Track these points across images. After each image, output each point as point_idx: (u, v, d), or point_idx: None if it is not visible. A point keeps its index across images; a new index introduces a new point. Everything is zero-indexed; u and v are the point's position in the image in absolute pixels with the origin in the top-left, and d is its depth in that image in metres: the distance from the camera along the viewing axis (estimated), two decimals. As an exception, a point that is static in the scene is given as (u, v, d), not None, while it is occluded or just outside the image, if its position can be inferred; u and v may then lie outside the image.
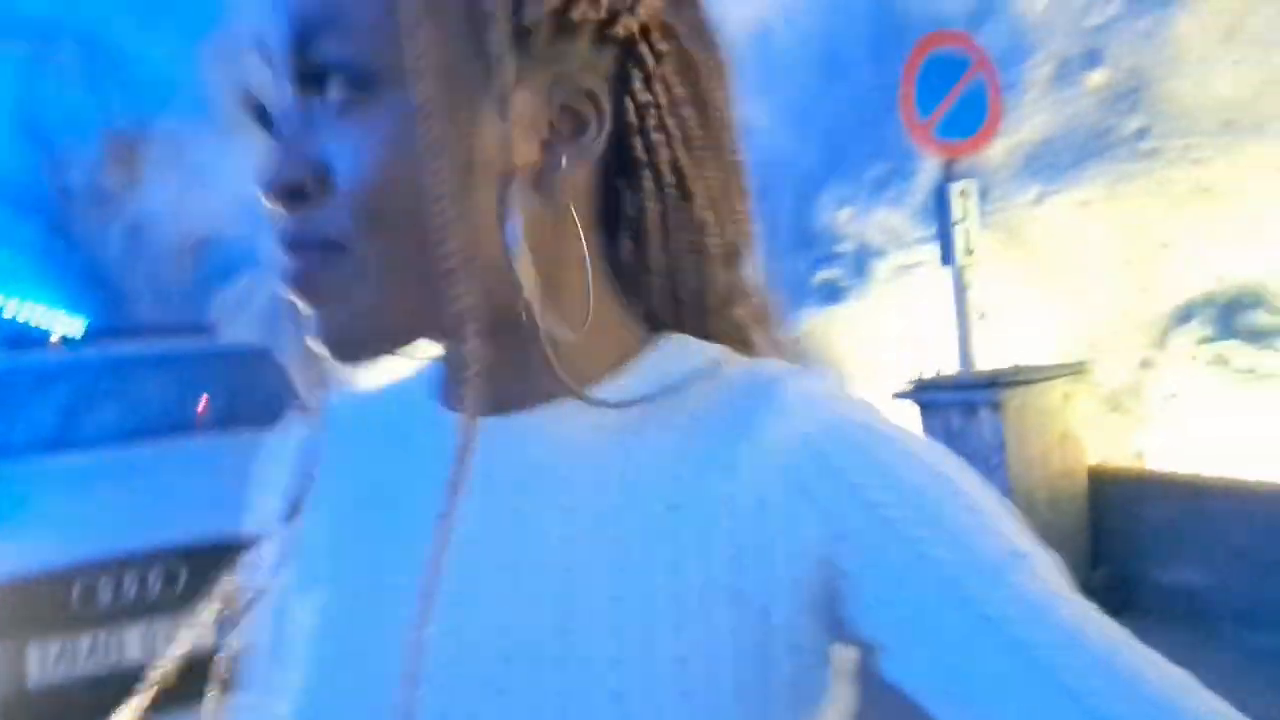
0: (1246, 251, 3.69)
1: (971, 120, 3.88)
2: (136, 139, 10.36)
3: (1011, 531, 0.44)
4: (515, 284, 0.43)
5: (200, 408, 4.00)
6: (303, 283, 0.44)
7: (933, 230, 4.20)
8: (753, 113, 5.41)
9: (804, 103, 5.24)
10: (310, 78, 0.43)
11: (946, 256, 4.01)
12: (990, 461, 3.45)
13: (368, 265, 0.44)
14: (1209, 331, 3.81)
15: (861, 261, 5.20)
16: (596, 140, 0.46)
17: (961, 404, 3.70)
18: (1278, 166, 3.56)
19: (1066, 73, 4.13)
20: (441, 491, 0.43)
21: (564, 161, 0.45)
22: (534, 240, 0.44)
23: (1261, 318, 3.68)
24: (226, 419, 3.78)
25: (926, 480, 0.44)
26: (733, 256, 0.51)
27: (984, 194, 4.12)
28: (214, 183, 10.39)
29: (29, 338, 4.54)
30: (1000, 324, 4.36)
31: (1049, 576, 0.42)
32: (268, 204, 0.44)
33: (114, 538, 2.77)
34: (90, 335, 5.29)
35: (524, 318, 0.44)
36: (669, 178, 0.48)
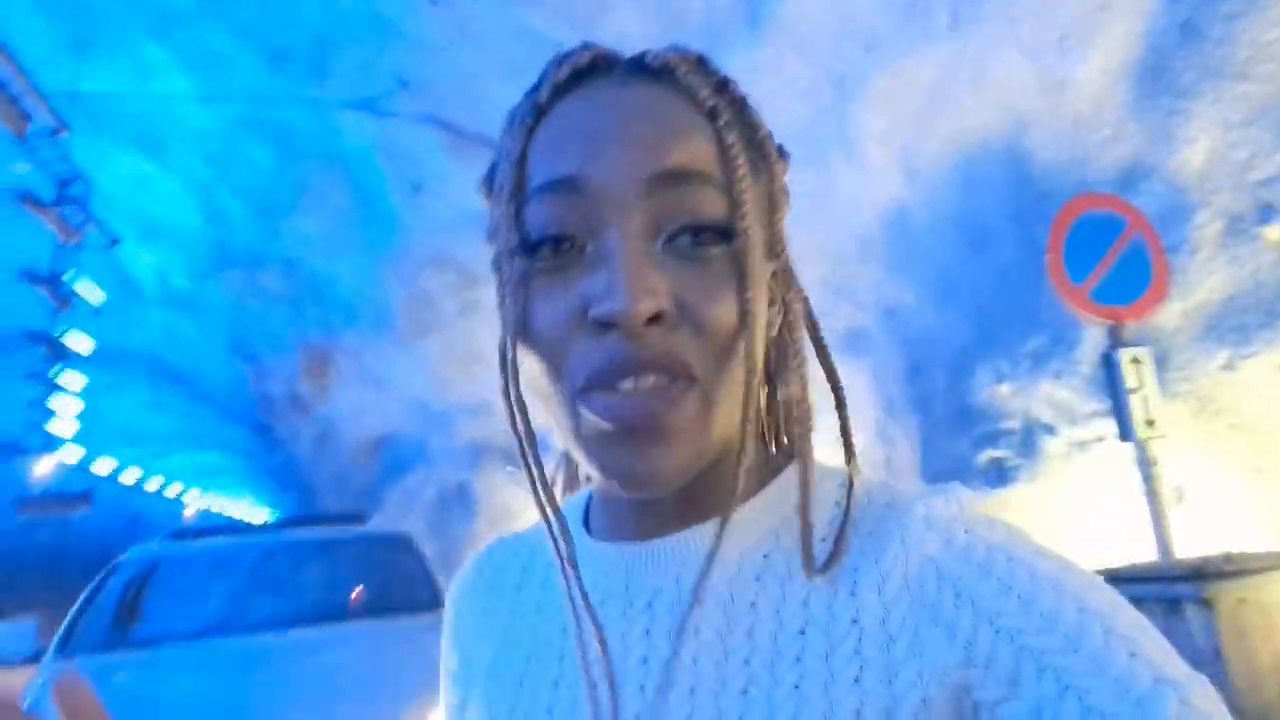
0: None
1: (1133, 284, 3.62)
2: (327, 351, 11.40)
3: (1160, 657, 0.42)
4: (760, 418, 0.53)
5: (355, 596, 4.11)
6: (652, 415, 0.47)
7: (1106, 403, 3.85)
8: (897, 293, 5.31)
9: (949, 278, 5.11)
10: (681, 229, 0.48)
11: (1125, 431, 3.64)
12: (1204, 672, 2.93)
13: (716, 398, 0.48)
14: None
15: (1030, 439, 4.83)
16: (801, 312, 0.55)
17: (1163, 599, 3.21)
18: None
19: (1238, 229, 3.83)
20: (592, 612, 0.51)
21: (795, 312, 0.54)
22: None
23: None
24: (375, 603, 3.94)
25: (1064, 604, 0.43)
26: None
27: (1162, 361, 3.77)
28: (391, 388, 11.23)
29: (228, 530, 4.92)
30: (1200, 505, 3.86)
31: (1202, 706, 0.41)
32: (627, 326, 0.46)
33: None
34: (267, 527, 5.63)
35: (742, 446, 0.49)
36: (801, 351, 0.54)
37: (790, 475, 0.54)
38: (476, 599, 0.63)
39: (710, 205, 0.48)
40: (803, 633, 0.48)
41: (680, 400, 0.47)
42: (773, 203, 0.53)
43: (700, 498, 0.52)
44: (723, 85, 0.52)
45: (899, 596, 0.46)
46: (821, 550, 0.49)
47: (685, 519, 0.53)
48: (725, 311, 0.48)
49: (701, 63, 0.53)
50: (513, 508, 12.69)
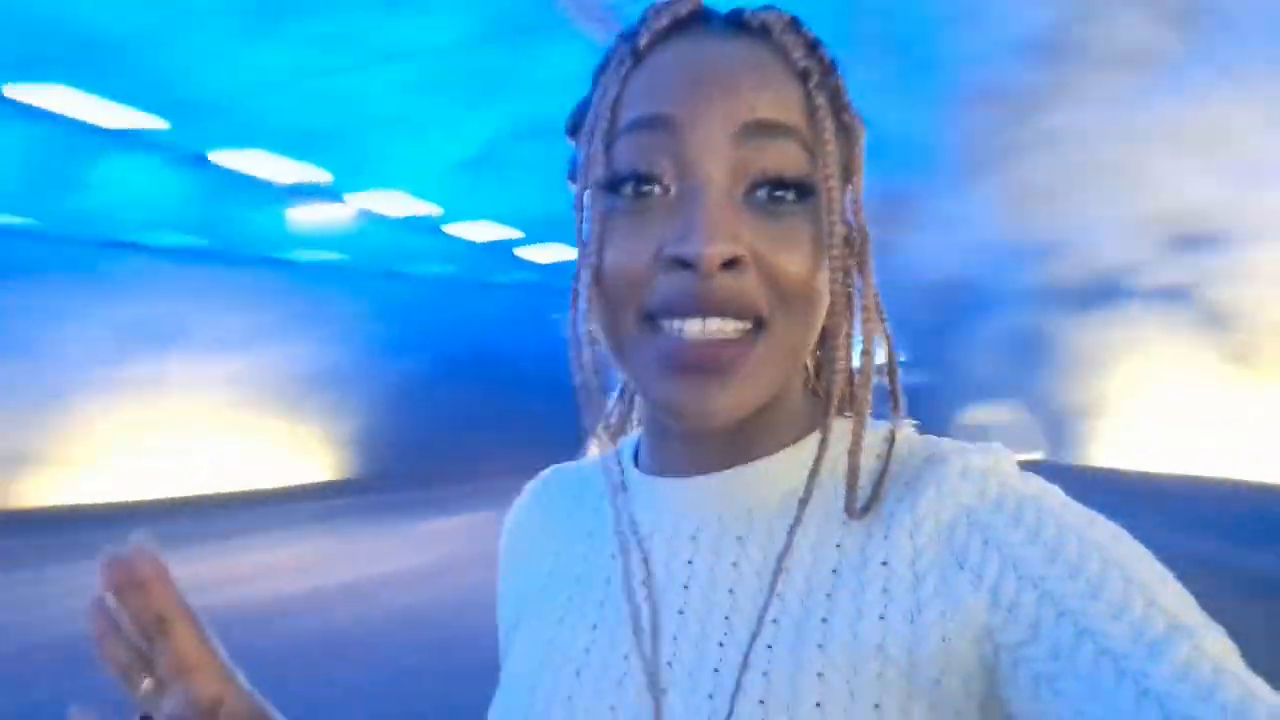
0: None
1: None
2: (884, 195, 11.67)
3: (1178, 605, 0.43)
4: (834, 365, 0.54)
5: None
6: (715, 357, 0.49)
7: None
8: None
9: None
10: (763, 180, 0.50)
11: None
12: None
13: (780, 344, 0.51)
14: None
15: None
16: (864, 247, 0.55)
17: None
18: None
19: None
20: (632, 540, 0.55)
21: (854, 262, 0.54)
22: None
23: None
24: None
25: (1087, 553, 0.45)
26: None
27: None
28: (953, 229, 11.07)
29: None
30: None
31: (1216, 652, 0.42)
32: (703, 266, 0.48)
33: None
34: None
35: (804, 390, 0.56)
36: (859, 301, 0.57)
37: (836, 425, 0.54)
38: (532, 524, 0.67)
39: (794, 160, 0.50)
40: (835, 571, 0.50)
41: (744, 343, 0.50)
42: (852, 166, 0.54)
43: (749, 438, 0.55)
44: (813, 47, 0.54)
45: (929, 541, 0.48)
46: (860, 496, 0.51)
47: (731, 458, 0.55)
48: (797, 264, 0.50)
49: (795, 23, 0.54)
50: (1085, 353, 11.71)
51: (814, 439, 0.55)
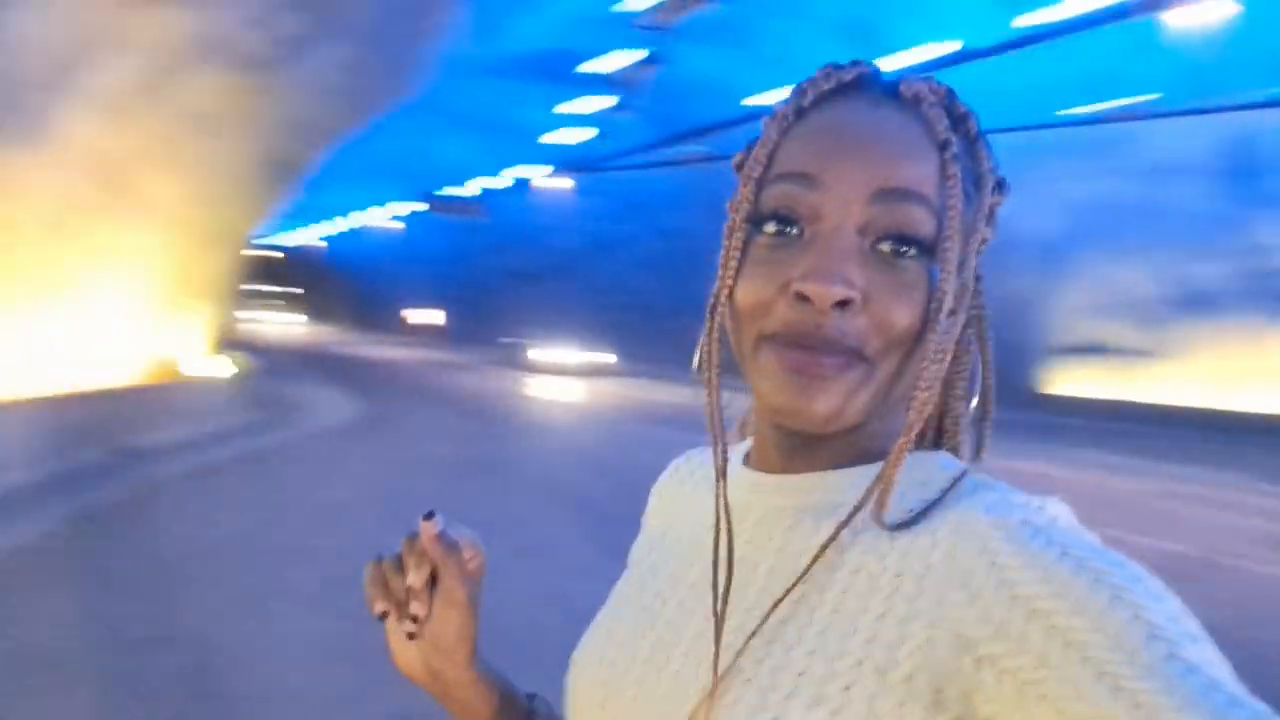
0: None
1: None
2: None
3: (1163, 619, 0.45)
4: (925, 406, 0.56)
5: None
6: (820, 367, 0.55)
7: None
8: None
9: None
10: (887, 235, 0.56)
11: None
12: None
13: (879, 377, 0.56)
14: None
15: None
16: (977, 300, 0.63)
17: None
18: None
19: None
20: (716, 524, 0.61)
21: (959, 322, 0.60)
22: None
23: None
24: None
25: (1080, 573, 0.46)
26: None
27: None
28: None
29: None
30: None
31: (1193, 658, 0.43)
32: (818, 303, 0.54)
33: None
34: None
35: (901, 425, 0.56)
36: (967, 351, 0.64)
37: (917, 457, 0.59)
38: (667, 493, 0.76)
39: (919, 223, 0.56)
40: (855, 572, 0.55)
41: (851, 367, 0.56)
42: (974, 228, 0.59)
43: (837, 450, 0.60)
44: (961, 119, 0.60)
45: (941, 560, 0.52)
46: (901, 515, 0.55)
47: (817, 464, 0.61)
48: (906, 314, 0.55)
49: (949, 96, 0.59)
50: None
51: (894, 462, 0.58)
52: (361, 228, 45.30)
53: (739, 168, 0.62)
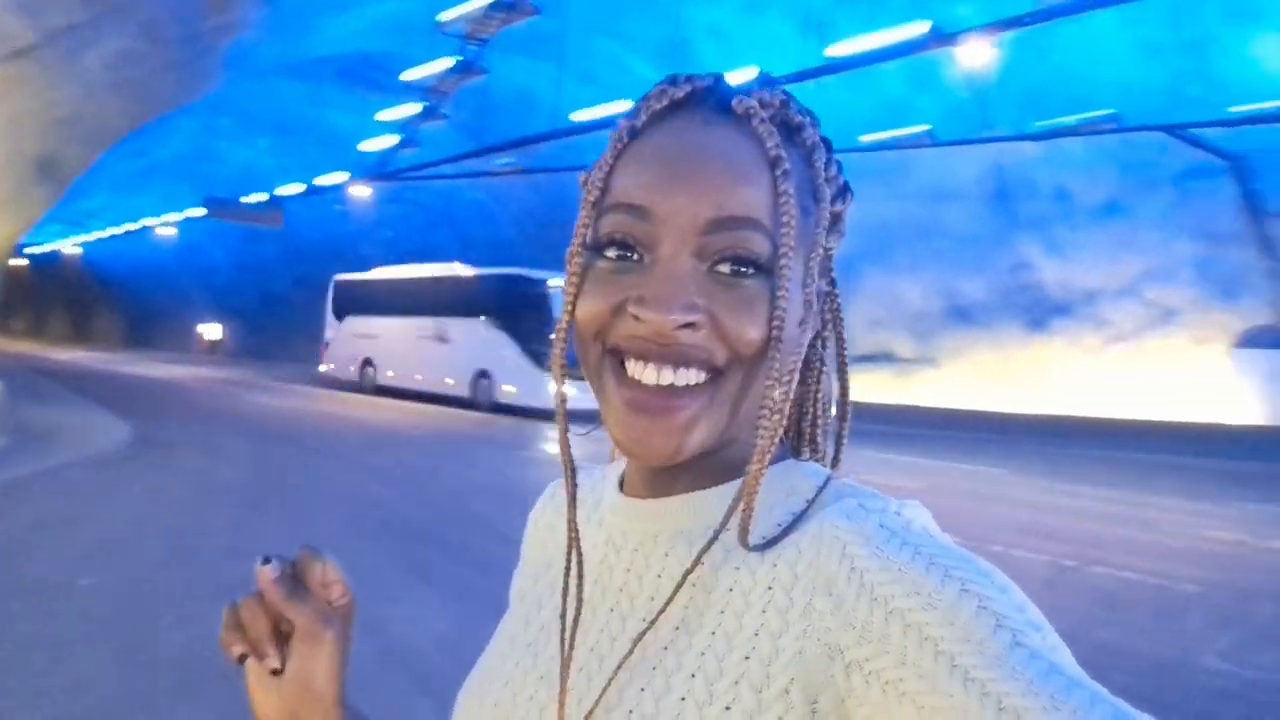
0: None
1: None
2: None
3: (1007, 609, 0.47)
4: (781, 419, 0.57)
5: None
6: (665, 409, 0.56)
7: None
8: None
9: None
10: (724, 258, 0.56)
11: None
12: None
13: (725, 398, 0.57)
14: None
15: None
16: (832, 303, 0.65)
17: None
18: None
19: None
20: (596, 553, 0.63)
21: (812, 324, 0.60)
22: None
23: None
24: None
25: (931, 571, 0.48)
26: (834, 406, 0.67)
27: None
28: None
29: None
30: None
31: (1036, 644, 0.45)
32: (664, 325, 0.55)
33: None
34: None
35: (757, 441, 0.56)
36: (818, 361, 0.66)
37: (784, 466, 0.61)
38: (543, 522, 0.75)
39: (754, 245, 0.55)
40: (731, 590, 0.55)
41: (698, 391, 0.56)
42: (813, 242, 0.59)
43: (700, 472, 0.60)
44: (797, 129, 0.59)
45: (807, 569, 0.53)
46: (770, 529, 0.56)
47: (681, 486, 0.61)
48: (751, 330, 0.55)
49: (784, 106, 0.59)
50: None
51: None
52: (138, 233, 41.60)
53: (584, 186, 0.61)
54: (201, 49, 14.57)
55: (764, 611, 0.53)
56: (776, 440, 0.56)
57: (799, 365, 0.59)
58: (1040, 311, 21.14)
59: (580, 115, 18.69)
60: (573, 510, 0.63)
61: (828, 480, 0.59)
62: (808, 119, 0.60)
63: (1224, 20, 15.89)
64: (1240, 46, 16.07)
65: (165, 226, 39.00)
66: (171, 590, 5.46)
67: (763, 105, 0.58)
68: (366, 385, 23.33)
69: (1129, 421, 19.05)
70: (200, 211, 28.87)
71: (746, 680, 0.51)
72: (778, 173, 0.56)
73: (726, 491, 0.59)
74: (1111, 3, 12.37)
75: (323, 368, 25.61)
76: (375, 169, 25.26)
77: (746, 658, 0.52)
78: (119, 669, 4.19)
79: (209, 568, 5.90)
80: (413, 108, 21.75)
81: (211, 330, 44.42)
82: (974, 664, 0.44)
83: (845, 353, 0.66)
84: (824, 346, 0.66)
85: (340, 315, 24.88)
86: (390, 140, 24.13)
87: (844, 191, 0.63)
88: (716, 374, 0.56)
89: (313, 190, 28.57)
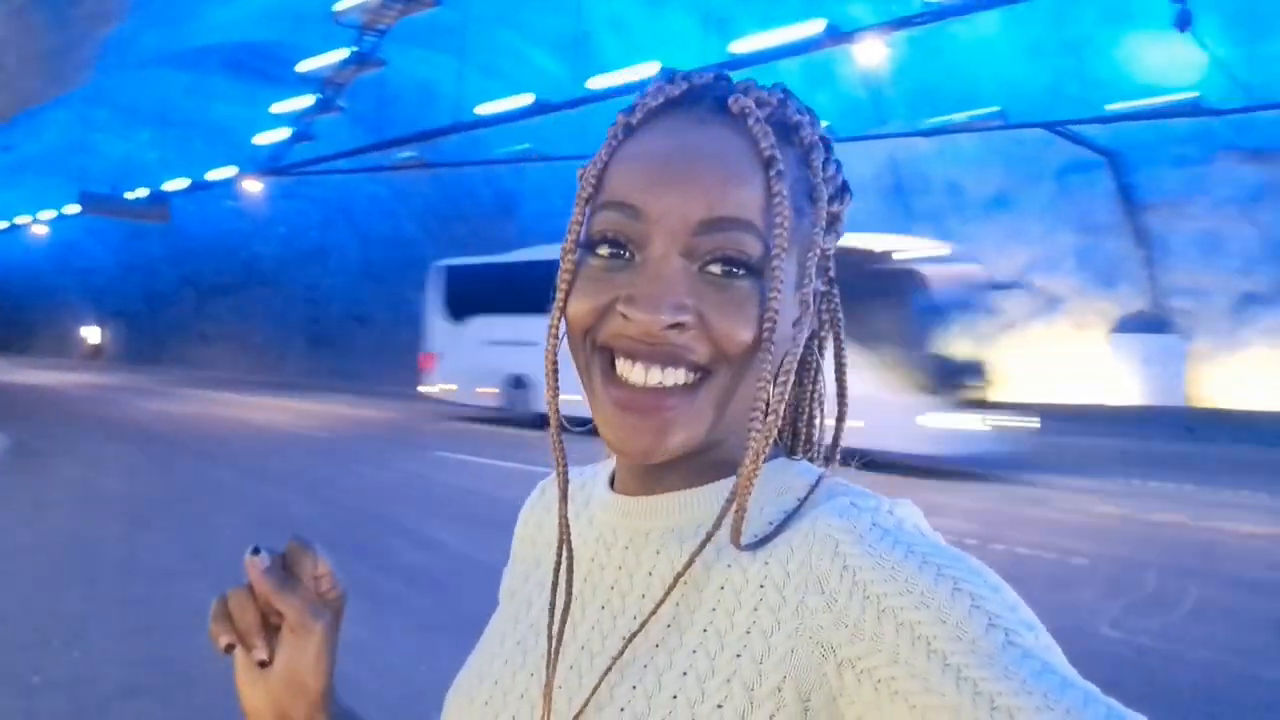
0: None
1: None
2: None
3: (999, 607, 0.47)
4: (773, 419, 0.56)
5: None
6: (655, 409, 0.55)
7: None
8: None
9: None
10: (715, 259, 0.55)
11: None
12: None
13: (723, 392, 0.56)
14: None
15: None
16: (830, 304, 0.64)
17: None
18: None
19: None
20: (587, 550, 0.63)
21: (804, 333, 0.59)
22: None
23: None
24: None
25: (924, 571, 0.48)
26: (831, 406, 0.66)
27: None
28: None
29: None
30: None
31: (1029, 643, 0.46)
32: (652, 325, 0.54)
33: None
34: None
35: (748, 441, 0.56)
36: (815, 359, 0.65)
37: (776, 464, 0.61)
38: (533, 520, 0.74)
39: (746, 246, 0.55)
40: (722, 588, 0.55)
41: (687, 391, 0.56)
42: (809, 242, 0.58)
43: (692, 471, 0.60)
44: (794, 128, 0.59)
45: (799, 567, 0.52)
46: (761, 527, 0.56)
47: (671, 485, 0.61)
48: (741, 331, 0.55)
49: (781, 106, 0.58)
50: None
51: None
52: (8, 233, 39.05)
53: (580, 180, 0.60)
54: (75, 37, 13.77)
55: (756, 609, 0.53)
56: (770, 441, 0.56)
57: (794, 365, 0.58)
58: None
59: (484, 109, 18.43)
60: (564, 506, 0.62)
61: (820, 479, 0.59)
62: (806, 117, 0.60)
63: (1100, 22, 16.77)
64: (1113, 47, 17.01)
65: (39, 225, 36.77)
66: (60, 610, 5.15)
67: (759, 104, 0.58)
68: (518, 412, 16.14)
69: (1018, 405, 19.94)
70: (76, 208, 27.31)
71: (739, 678, 0.51)
72: (771, 173, 0.56)
73: (718, 490, 0.60)
74: (997, 4, 12.92)
75: (432, 389, 17.94)
76: (268, 163, 24.37)
77: (738, 656, 0.52)
78: (3, 695, 3.91)
79: (100, 584, 5.59)
80: (307, 100, 21.08)
81: (93, 333, 42.10)
82: (967, 663, 0.45)
83: (844, 353, 0.66)
84: (821, 347, 0.66)
85: (459, 315, 17.34)
86: (283, 133, 23.32)
87: (842, 191, 0.62)
88: (705, 374, 0.56)
89: (201, 185, 27.41)
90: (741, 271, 0.55)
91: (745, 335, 0.55)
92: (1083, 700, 0.43)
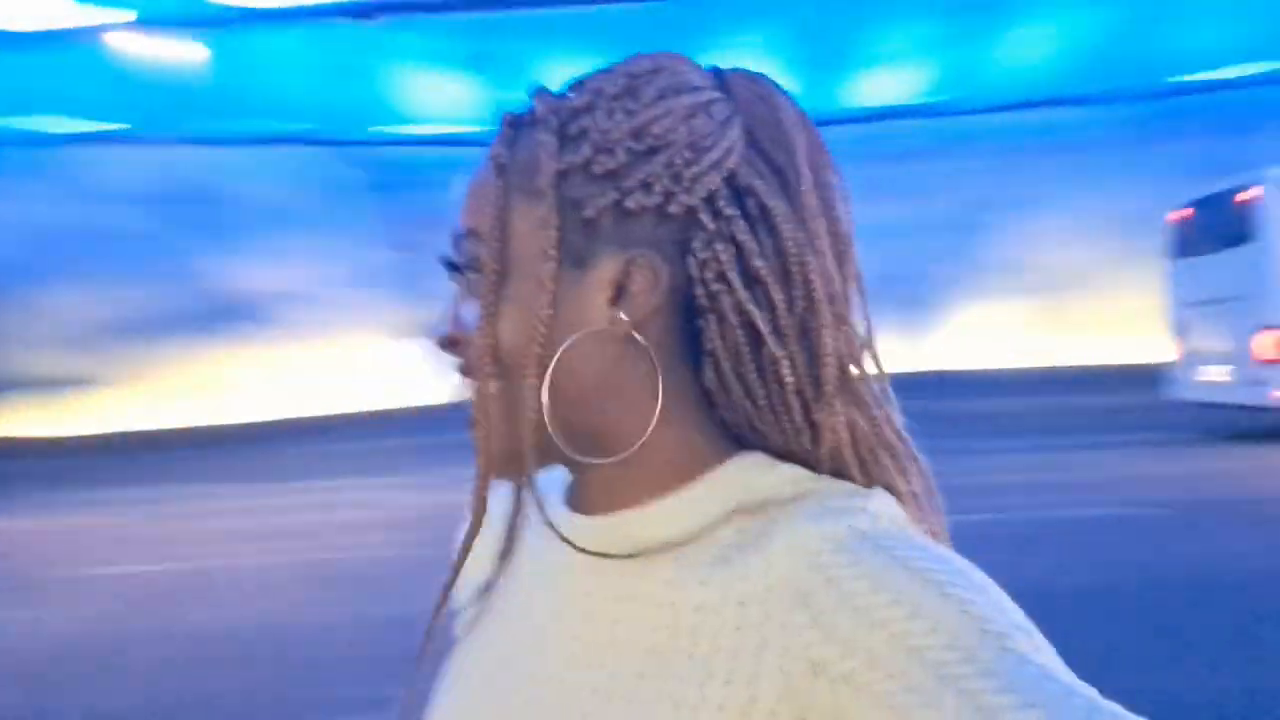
0: None
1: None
2: None
3: (991, 611, 0.46)
4: (588, 414, 0.55)
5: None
6: (476, 413, 0.56)
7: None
8: None
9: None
10: (458, 266, 0.58)
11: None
12: None
13: (510, 398, 0.55)
14: None
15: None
16: (650, 296, 0.54)
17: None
18: None
19: None
20: (549, 572, 0.60)
21: (621, 315, 0.54)
22: (607, 374, 0.55)
23: None
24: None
25: (910, 579, 0.47)
26: (813, 387, 0.55)
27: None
28: None
29: None
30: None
31: (1023, 648, 0.45)
32: (436, 348, 0.58)
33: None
34: None
35: (586, 443, 0.56)
36: (733, 319, 0.54)
37: (732, 464, 0.56)
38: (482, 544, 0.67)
39: (479, 253, 0.56)
40: (699, 610, 0.52)
41: (484, 404, 0.56)
42: (595, 232, 0.55)
43: (620, 486, 0.57)
44: (577, 123, 0.55)
45: (779, 581, 0.50)
46: (727, 537, 0.54)
47: (620, 500, 0.57)
48: (491, 337, 0.55)
49: (531, 115, 0.57)
50: None
51: (699, 484, 0.56)
52: None
53: None
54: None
55: (739, 629, 0.51)
56: (537, 439, 0.55)
57: (578, 372, 0.55)
58: (221, 318, 21.00)
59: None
60: (482, 482, 0.58)
61: (788, 477, 0.56)
62: (594, 116, 0.55)
63: (368, 51, 17.97)
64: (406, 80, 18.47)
65: None
66: None
67: (552, 111, 0.56)
68: None
69: (319, 417, 20.29)
70: None
71: (734, 706, 0.49)
72: (500, 180, 0.56)
73: (673, 504, 0.56)
74: (302, 21, 12.90)
75: (1190, 394, 11.25)
76: None
77: (728, 682, 0.50)
78: None
79: None
80: None
81: None
82: (964, 673, 0.44)
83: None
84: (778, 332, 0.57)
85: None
86: None
87: (591, 175, 0.55)
88: (498, 380, 0.56)
89: None
90: (484, 279, 0.55)
91: (497, 340, 0.55)
92: (1086, 710, 0.43)
